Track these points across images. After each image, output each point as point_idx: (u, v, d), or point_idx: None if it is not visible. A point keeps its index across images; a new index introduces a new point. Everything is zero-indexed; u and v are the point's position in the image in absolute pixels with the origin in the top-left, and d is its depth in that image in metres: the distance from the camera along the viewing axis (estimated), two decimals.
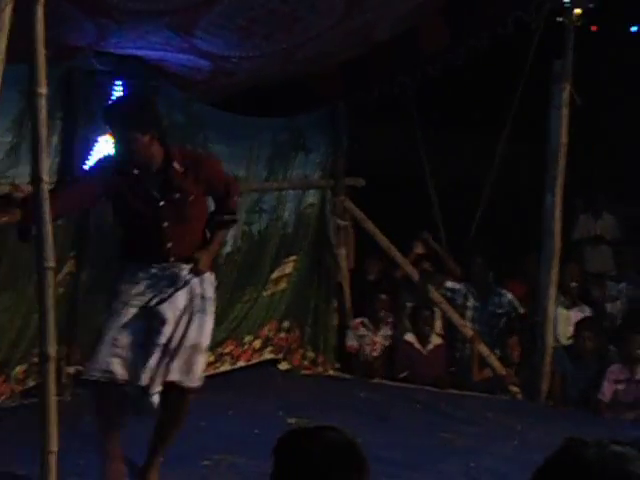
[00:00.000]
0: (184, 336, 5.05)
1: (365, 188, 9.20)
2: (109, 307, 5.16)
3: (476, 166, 9.51)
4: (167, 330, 5.00)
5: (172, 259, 5.09)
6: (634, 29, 9.57)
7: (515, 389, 8.36)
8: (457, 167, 9.82)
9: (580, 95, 7.93)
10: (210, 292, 5.20)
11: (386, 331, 9.03)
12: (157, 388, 5.01)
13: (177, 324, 5.04)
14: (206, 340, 5.18)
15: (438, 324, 9.02)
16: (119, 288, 5.12)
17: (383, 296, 9.08)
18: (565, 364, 8.11)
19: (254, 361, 8.49)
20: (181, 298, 5.06)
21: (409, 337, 8.82)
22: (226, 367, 8.24)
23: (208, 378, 7.88)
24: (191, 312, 5.08)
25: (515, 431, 6.91)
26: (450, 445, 6.42)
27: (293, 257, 8.74)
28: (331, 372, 8.98)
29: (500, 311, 9.13)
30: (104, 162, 5.37)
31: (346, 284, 9.20)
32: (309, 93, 8.46)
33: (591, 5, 7.74)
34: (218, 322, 8.14)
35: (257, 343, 8.50)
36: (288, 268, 8.70)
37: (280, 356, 8.76)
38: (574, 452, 1.86)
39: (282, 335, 8.71)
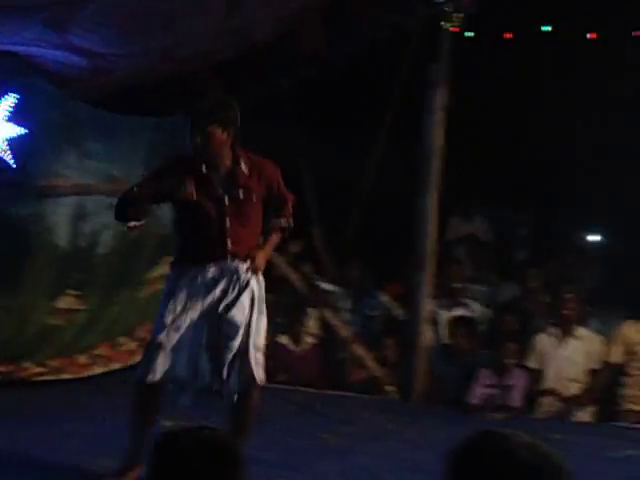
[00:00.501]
0: (250, 337, 5.18)
1: None
2: (167, 308, 5.17)
3: (355, 168, 9.59)
4: (240, 334, 5.14)
5: (230, 258, 5.19)
6: (509, 36, 9.79)
7: (391, 389, 8.44)
8: (336, 168, 9.87)
9: (455, 99, 8.06)
10: (263, 293, 5.30)
11: None
12: (232, 388, 5.19)
13: (247, 325, 5.17)
14: (263, 340, 5.31)
15: (312, 325, 9.07)
16: (176, 291, 5.19)
17: None
18: (440, 364, 8.24)
19: (130, 363, 8.36)
20: (246, 299, 5.18)
21: (282, 339, 8.84)
22: (100, 370, 8.10)
23: (81, 381, 7.84)
24: (252, 314, 5.19)
25: (390, 430, 6.97)
26: (326, 445, 6.44)
27: (171, 257, 8.63)
28: None
29: (374, 313, 9.23)
30: (172, 161, 5.39)
31: None
32: (186, 92, 8.41)
33: (472, 11, 7.89)
34: (92, 323, 8.06)
35: (132, 345, 8.37)
36: (165, 268, 8.60)
37: None
38: (493, 441, 1.88)
39: None
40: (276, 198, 5.41)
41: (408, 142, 8.45)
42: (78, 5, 5.91)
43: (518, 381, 7.82)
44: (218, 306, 5.16)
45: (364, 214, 9.43)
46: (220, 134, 5.09)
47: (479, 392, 7.80)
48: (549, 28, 9.44)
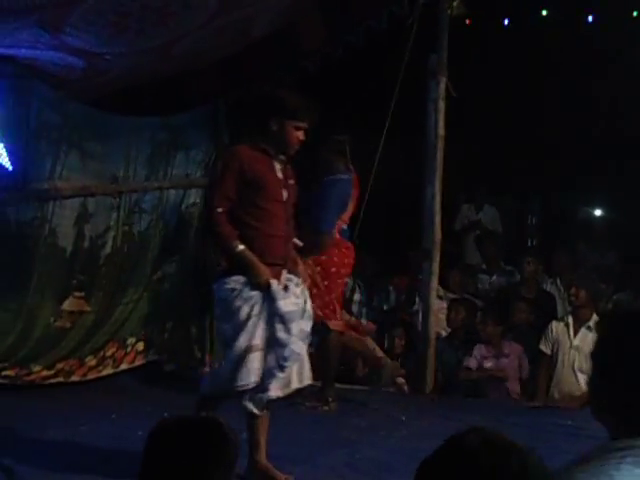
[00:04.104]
0: None
1: None
2: None
3: (358, 161, 9.52)
4: None
5: None
6: (506, 22, 9.77)
7: (401, 380, 8.40)
8: None
9: (456, 88, 8.03)
10: None
11: None
12: None
13: None
14: None
15: None
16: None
17: None
18: (444, 354, 8.25)
19: (138, 363, 8.34)
20: None
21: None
22: (109, 370, 8.08)
23: (91, 382, 7.84)
24: None
25: (400, 422, 6.93)
26: (335, 437, 6.40)
27: (175, 257, 8.64)
28: None
29: (386, 306, 9.18)
30: None
31: None
32: (187, 91, 8.38)
33: None
34: (98, 325, 8.05)
35: (140, 345, 8.35)
36: (170, 268, 8.59)
37: (165, 357, 8.62)
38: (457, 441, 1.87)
39: (166, 336, 8.58)
40: None
41: (409, 133, 8.40)
42: (71, 4, 5.89)
43: (512, 351, 8.06)
44: None
45: (370, 207, 9.38)
46: None
47: (473, 362, 8.07)
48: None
